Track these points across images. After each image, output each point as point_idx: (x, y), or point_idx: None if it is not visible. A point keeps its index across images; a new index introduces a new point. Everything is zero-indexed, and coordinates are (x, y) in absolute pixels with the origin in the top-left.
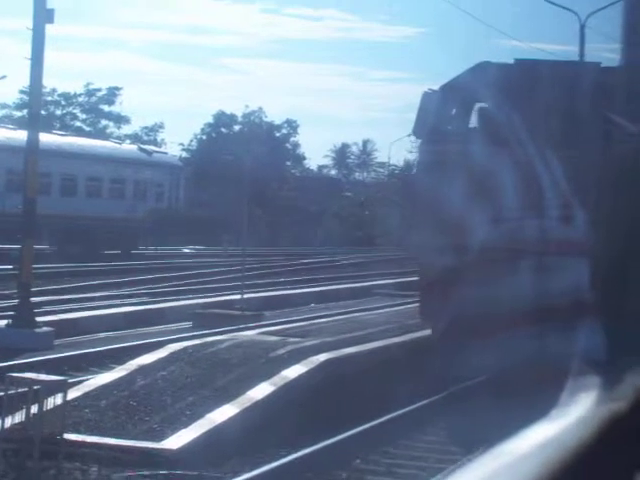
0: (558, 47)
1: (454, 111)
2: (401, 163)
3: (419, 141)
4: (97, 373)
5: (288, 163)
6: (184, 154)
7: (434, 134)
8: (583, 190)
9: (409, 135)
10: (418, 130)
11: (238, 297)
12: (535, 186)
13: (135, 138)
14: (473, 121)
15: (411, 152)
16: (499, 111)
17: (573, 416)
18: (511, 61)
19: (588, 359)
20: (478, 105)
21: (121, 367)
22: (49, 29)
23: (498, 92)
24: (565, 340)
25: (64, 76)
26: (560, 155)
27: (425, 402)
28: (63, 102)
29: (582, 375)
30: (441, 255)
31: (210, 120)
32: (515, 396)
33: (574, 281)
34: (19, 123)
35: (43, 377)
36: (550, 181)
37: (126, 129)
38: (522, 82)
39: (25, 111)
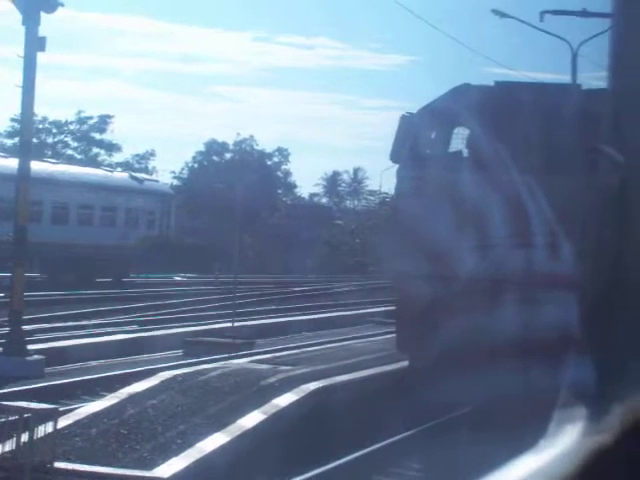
0: (551, 76)
1: (433, 135)
2: (392, 191)
3: (396, 167)
4: (88, 401)
5: (279, 191)
6: (175, 182)
7: (412, 159)
8: (568, 219)
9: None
10: (395, 155)
11: (229, 325)
12: (519, 214)
13: (126, 166)
14: (453, 145)
15: None
16: (480, 135)
17: (559, 448)
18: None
19: (575, 391)
20: (458, 129)
21: (112, 395)
22: (40, 57)
23: (478, 115)
24: (551, 373)
25: (56, 104)
26: (543, 181)
27: (412, 432)
28: (54, 130)
29: (569, 407)
30: (419, 284)
31: (202, 148)
32: (500, 428)
33: (560, 313)
34: (10, 151)
35: (34, 405)
36: (535, 209)
37: (117, 157)
38: (503, 105)
39: (16, 139)
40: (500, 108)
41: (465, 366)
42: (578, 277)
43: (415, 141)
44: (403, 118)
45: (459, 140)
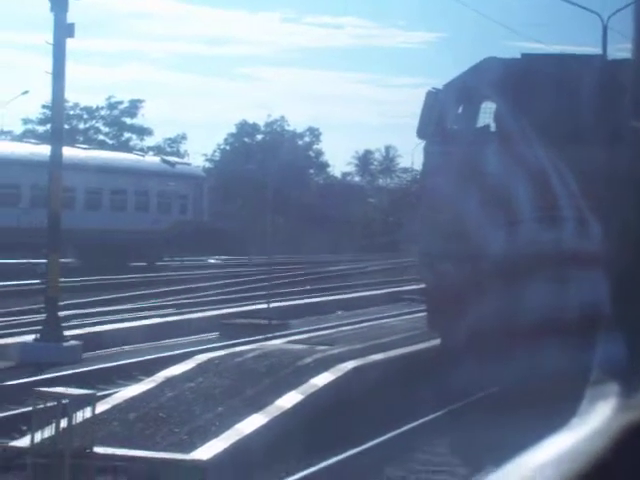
0: (581, 49)
1: (460, 110)
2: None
3: (423, 142)
4: (125, 386)
5: (311, 171)
6: (207, 165)
7: (439, 134)
8: (595, 194)
9: None
10: (422, 131)
11: (264, 306)
12: (547, 189)
13: (158, 150)
14: (480, 120)
15: None
16: (507, 108)
17: (591, 425)
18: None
19: (606, 368)
20: (485, 103)
21: (149, 379)
22: (70, 43)
23: (505, 88)
24: (581, 351)
25: (86, 90)
26: (571, 154)
27: (444, 411)
28: (86, 116)
29: (600, 384)
30: (448, 263)
31: (233, 130)
32: (532, 408)
33: (589, 291)
34: (42, 138)
35: (71, 391)
36: (562, 184)
37: (149, 141)
38: (529, 77)
39: (48, 126)
40: (526, 80)
41: (495, 345)
42: (606, 254)
43: (441, 117)
44: (429, 94)
45: (486, 115)
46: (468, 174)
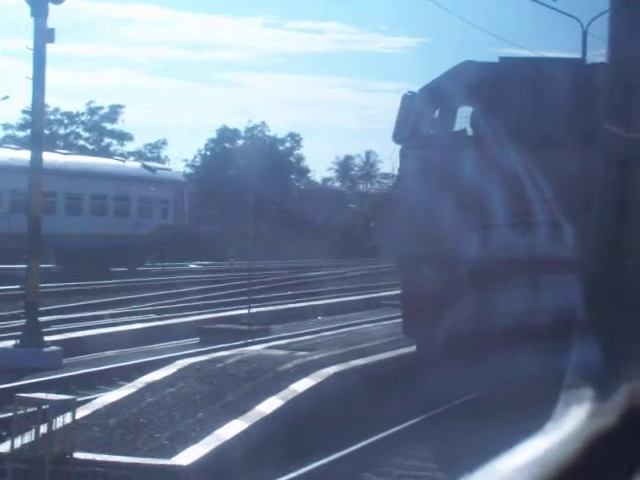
0: (562, 54)
1: (436, 114)
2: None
3: (399, 147)
4: (106, 391)
5: (292, 176)
6: (188, 170)
7: (415, 139)
8: (571, 198)
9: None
10: (398, 135)
11: (245, 312)
12: (523, 193)
13: (139, 155)
14: (456, 124)
15: None
16: (484, 112)
17: (566, 429)
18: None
19: (580, 373)
20: (461, 107)
21: (129, 385)
22: (51, 48)
23: (482, 92)
24: (556, 356)
25: (66, 95)
26: (548, 159)
27: (422, 418)
28: (66, 121)
29: (574, 388)
30: (423, 267)
31: (213, 135)
32: (507, 413)
33: (563, 295)
34: (22, 143)
35: (52, 396)
36: (538, 188)
37: (129, 146)
38: (506, 80)
39: (28, 131)
40: (503, 84)
41: (471, 350)
42: (580, 258)
43: (417, 121)
44: (405, 97)
45: (463, 119)
46: (444, 179)
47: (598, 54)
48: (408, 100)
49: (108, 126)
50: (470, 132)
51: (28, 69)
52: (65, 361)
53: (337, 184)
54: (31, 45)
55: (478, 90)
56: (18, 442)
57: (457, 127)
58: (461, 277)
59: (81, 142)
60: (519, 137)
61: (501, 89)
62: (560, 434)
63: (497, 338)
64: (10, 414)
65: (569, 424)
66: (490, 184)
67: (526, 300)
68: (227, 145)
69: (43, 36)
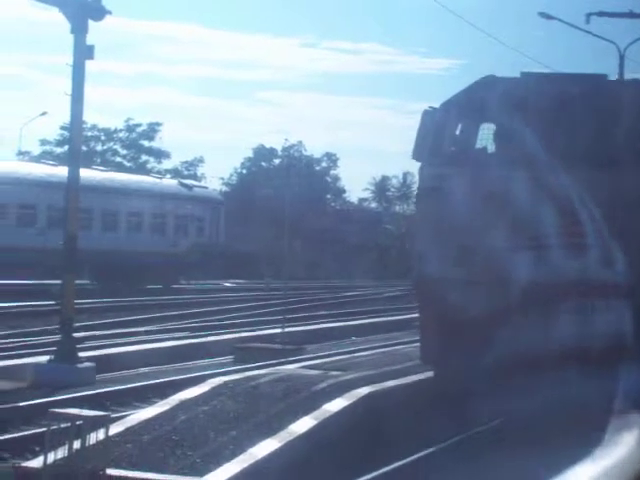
0: None
1: (458, 130)
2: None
3: (419, 165)
4: (139, 408)
5: (328, 196)
6: (224, 188)
7: (436, 156)
8: (613, 218)
9: None
10: (418, 152)
11: (279, 331)
12: (562, 216)
13: (175, 173)
14: (479, 141)
15: None
16: (508, 128)
17: (616, 456)
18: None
19: (630, 400)
20: (484, 123)
21: (163, 402)
22: (89, 65)
23: (504, 107)
24: (604, 383)
25: (104, 112)
26: (585, 178)
27: (461, 437)
28: (103, 137)
29: (624, 415)
30: (445, 289)
31: (250, 154)
32: (557, 439)
33: (612, 322)
34: (60, 159)
35: (85, 412)
36: (576, 208)
37: (166, 164)
38: (529, 95)
39: (66, 147)
40: (527, 99)
41: (506, 378)
42: (629, 283)
43: (438, 137)
44: (425, 113)
45: (485, 134)
46: (465, 198)
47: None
48: (429, 116)
49: (146, 143)
50: (493, 149)
51: (67, 85)
52: (99, 377)
53: (373, 204)
54: (71, 62)
55: (501, 104)
56: (51, 457)
57: (480, 144)
58: (489, 300)
59: (118, 159)
60: (553, 154)
61: (525, 104)
62: (610, 461)
63: (536, 366)
64: (44, 429)
65: (619, 451)
66: (521, 206)
67: (572, 326)
68: (264, 164)
69: (82, 53)
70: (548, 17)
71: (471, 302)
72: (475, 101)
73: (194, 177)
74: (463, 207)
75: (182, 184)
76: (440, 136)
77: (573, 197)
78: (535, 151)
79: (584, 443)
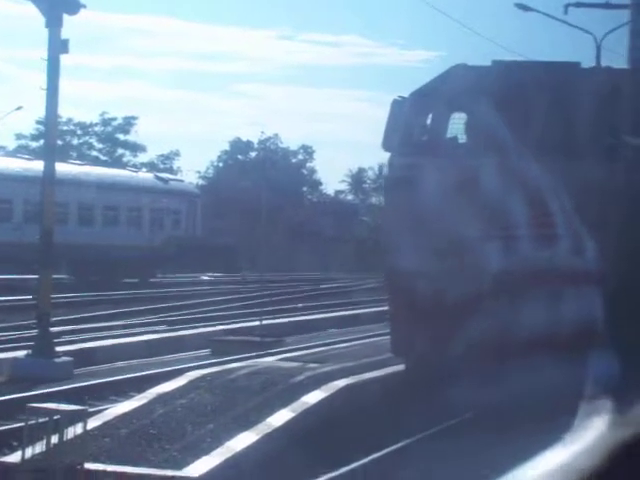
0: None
1: (428, 119)
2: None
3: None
4: (117, 402)
5: (304, 189)
6: (201, 181)
7: (406, 146)
8: (583, 207)
9: None
10: (388, 142)
11: (257, 324)
12: (533, 205)
13: (151, 166)
14: (450, 130)
15: None
16: (479, 117)
17: (585, 441)
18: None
19: (601, 385)
20: (454, 112)
21: (141, 396)
22: (64, 59)
23: (476, 96)
24: (573, 369)
25: (80, 105)
26: (555, 167)
27: (440, 428)
28: (79, 132)
29: (594, 401)
30: (416, 281)
31: (226, 147)
32: (527, 425)
33: (582, 308)
34: (35, 153)
35: (63, 407)
36: (547, 197)
37: (142, 157)
38: (501, 84)
39: (41, 141)
40: (498, 88)
41: (474, 366)
42: (598, 271)
43: (408, 127)
44: (394, 102)
45: (456, 124)
46: (435, 188)
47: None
48: (398, 105)
49: (121, 137)
50: (464, 138)
51: (42, 80)
52: (76, 371)
53: (350, 197)
54: (46, 56)
55: (472, 93)
56: (29, 452)
57: (450, 133)
58: (459, 290)
59: (94, 153)
60: (523, 143)
61: (496, 93)
62: (580, 446)
63: (510, 352)
64: (21, 424)
65: (589, 436)
66: (485, 194)
67: (544, 313)
68: (240, 157)
69: (57, 47)
70: (526, 8)
71: (441, 292)
72: (446, 90)
73: (170, 170)
74: (433, 197)
75: (158, 177)
76: (410, 126)
77: (544, 186)
78: (506, 140)
79: (554, 429)
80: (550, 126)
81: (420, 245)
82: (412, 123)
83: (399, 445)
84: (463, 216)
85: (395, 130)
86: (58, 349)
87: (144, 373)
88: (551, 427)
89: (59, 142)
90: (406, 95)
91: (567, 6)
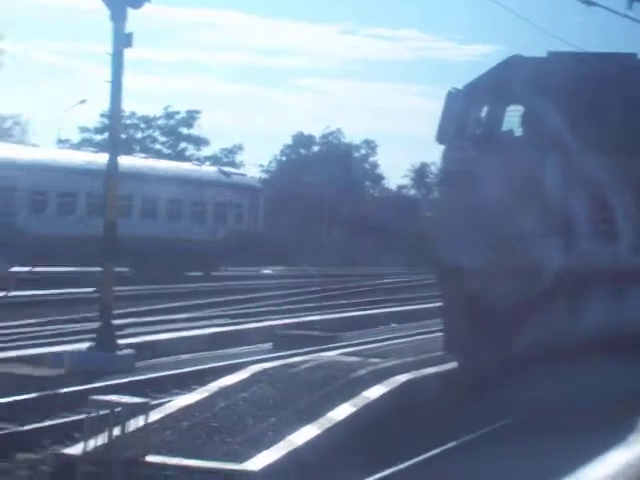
0: None
1: (483, 112)
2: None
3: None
4: (179, 395)
5: (367, 183)
6: (263, 175)
7: (460, 139)
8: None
9: None
10: (441, 135)
11: (318, 318)
12: (593, 202)
13: (215, 160)
14: (506, 123)
15: None
16: (540, 111)
17: None
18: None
19: None
20: (511, 104)
21: (202, 389)
22: (128, 53)
23: (532, 87)
24: (636, 371)
25: (143, 99)
26: (617, 163)
27: (499, 424)
28: (143, 125)
29: None
30: (470, 277)
31: (289, 141)
32: (592, 426)
33: None
34: (99, 146)
35: (125, 399)
36: (606, 192)
37: (205, 151)
38: (557, 76)
39: (105, 134)
40: (554, 79)
41: (532, 365)
42: None
43: (462, 119)
44: (449, 95)
45: (511, 116)
46: (492, 183)
47: None
48: (452, 98)
49: (185, 131)
50: (520, 131)
51: (106, 73)
52: (138, 364)
53: (412, 192)
54: (110, 50)
55: (528, 85)
56: (91, 444)
57: (506, 126)
58: (518, 288)
59: (157, 146)
60: (584, 138)
61: (553, 84)
62: None
63: (566, 352)
64: (83, 416)
65: None
66: (543, 189)
67: (604, 313)
68: (302, 151)
69: (121, 41)
70: (589, 3)
71: (499, 290)
72: (501, 82)
73: (233, 164)
74: (489, 192)
75: (221, 171)
76: (464, 118)
77: (603, 181)
78: (564, 134)
79: (618, 430)
80: (607, 118)
81: (474, 240)
82: (466, 115)
83: (458, 442)
84: (520, 212)
85: (449, 122)
86: (120, 342)
87: (206, 366)
88: (615, 428)
89: (123, 135)
90: (461, 87)
91: (632, 1)
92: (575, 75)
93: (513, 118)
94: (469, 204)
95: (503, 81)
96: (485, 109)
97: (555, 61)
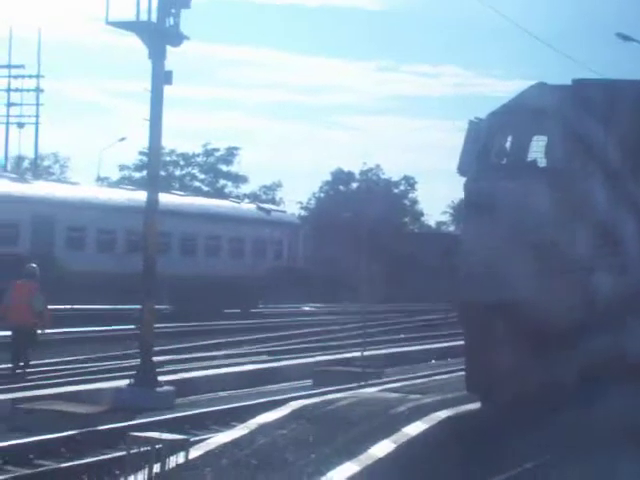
0: None
1: (506, 141)
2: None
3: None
4: (218, 432)
5: (406, 219)
6: (302, 212)
7: (484, 169)
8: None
9: None
10: (463, 166)
11: (358, 354)
12: (607, 233)
13: (254, 197)
14: (531, 152)
15: None
16: (561, 138)
17: None
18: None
19: None
20: (534, 133)
21: (242, 425)
22: (167, 90)
23: (557, 115)
24: None
25: (181, 136)
26: (628, 190)
27: (543, 460)
28: (182, 162)
29: None
30: (494, 314)
31: (328, 178)
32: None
33: None
34: (139, 184)
35: (165, 436)
36: (622, 221)
37: (244, 188)
38: (582, 103)
39: (144, 172)
40: (578, 106)
41: (566, 402)
42: None
43: (485, 149)
44: (471, 124)
45: (537, 146)
46: (515, 215)
47: None
48: (474, 127)
49: (224, 168)
50: (544, 161)
51: (145, 111)
52: (178, 401)
53: (451, 228)
54: (149, 87)
55: (553, 112)
56: None
57: (531, 156)
58: (540, 325)
59: (196, 183)
60: (603, 167)
61: (578, 112)
62: None
63: (604, 384)
64: (123, 453)
65: None
66: (571, 222)
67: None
68: (342, 188)
69: (160, 78)
70: (626, 38)
71: (514, 326)
72: (526, 110)
73: (272, 201)
74: (508, 226)
75: (260, 208)
76: (487, 147)
77: (624, 210)
78: (591, 163)
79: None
80: (634, 145)
81: (499, 274)
82: (490, 144)
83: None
84: (538, 247)
85: (471, 152)
86: (160, 378)
87: (245, 403)
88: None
89: (162, 173)
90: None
91: None
92: (598, 101)
93: (538, 147)
94: (491, 238)
95: (528, 109)
96: (509, 138)
97: (579, 88)
